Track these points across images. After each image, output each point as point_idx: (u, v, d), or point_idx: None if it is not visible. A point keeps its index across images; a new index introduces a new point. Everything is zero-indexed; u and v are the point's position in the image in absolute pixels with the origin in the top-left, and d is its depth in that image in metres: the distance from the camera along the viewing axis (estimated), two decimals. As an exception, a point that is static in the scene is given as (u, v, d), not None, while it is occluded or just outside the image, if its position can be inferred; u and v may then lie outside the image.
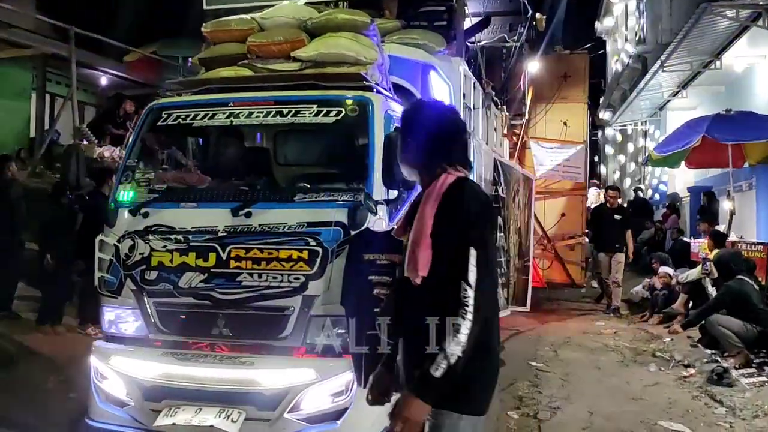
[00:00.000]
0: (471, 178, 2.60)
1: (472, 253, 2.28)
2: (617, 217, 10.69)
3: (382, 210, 3.98)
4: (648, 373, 7.21)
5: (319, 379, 3.74)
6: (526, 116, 10.02)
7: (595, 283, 12.28)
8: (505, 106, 9.20)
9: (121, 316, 4.15)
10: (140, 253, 4.09)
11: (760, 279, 8.22)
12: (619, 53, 21.66)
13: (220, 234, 4.00)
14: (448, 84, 5.42)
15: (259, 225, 3.98)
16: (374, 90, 4.33)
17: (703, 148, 10.32)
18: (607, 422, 5.52)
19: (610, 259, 10.63)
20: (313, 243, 3.89)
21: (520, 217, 8.71)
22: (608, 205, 11.00)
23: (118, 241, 4.13)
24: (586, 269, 12.14)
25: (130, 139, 4.51)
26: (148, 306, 4.07)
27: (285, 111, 4.25)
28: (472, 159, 4.84)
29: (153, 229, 4.12)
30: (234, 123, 4.29)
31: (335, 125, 4.19)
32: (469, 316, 2.22)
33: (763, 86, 11.80)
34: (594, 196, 16.19)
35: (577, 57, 12.34)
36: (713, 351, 7.50)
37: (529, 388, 6.56)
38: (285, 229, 3.94)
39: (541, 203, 11.17)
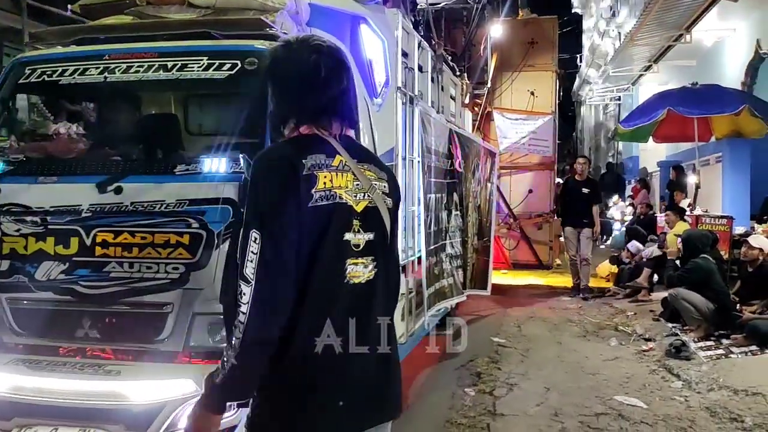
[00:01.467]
0: (352, 138, 2.01)
1: (252, 236, 1.73)
2: (585, 190, 9.53)
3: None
4: (608, 347, 6.94)
5: (199, 392, 2.88)
6: (489, 85, 8.97)
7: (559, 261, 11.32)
8: (466, 74, 8.24)
9: (-29, 315, 3.26)
10: (-10, 239, 3.20)
11: (723, 252, 7.98)
12: (594, 27, 20.77)
13: (83, 214, 3.11)
14: (382, 39, 4.50)
15: (132, 203, 3.10)
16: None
17: (670, 123, 9.70)
18: (563, 397, 5.27)
19: (578, 235, 9.61)
20: (196, 225, 3.03)
21: (480, 194, 7.84)
22: (576, 177, 9.74)
23: (-34, 224, 3.23)
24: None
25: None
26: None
27: (170, 65, 3.33)
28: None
29: (5, 208, 3.22)
30: (108, 79, 3.36)
31: (234, 82, 3.29)
32: (242, 318, 1.72)
33: (732, 60, 11.09)
34: None
35: (545, 21, 11.13)
36: (674, 324, 7.23)
37: (489, 364, 6.29)
38: (162, 208, 3.07)
39: (506, 179, 10.28)
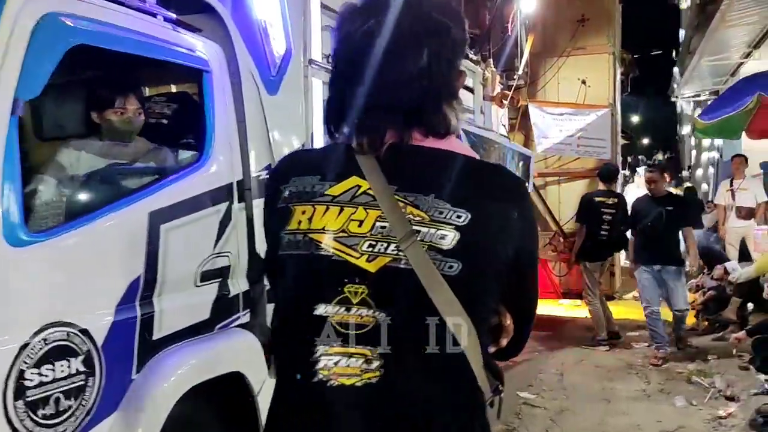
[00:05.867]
0: (422, 148, 1.28)
1: None
2: (669, 209, 6.66)
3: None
4: (672, 409, 5.45)
5: None
6: (519, 72, 7.36)
7: None
8: (491, 60, 6.76)
9: None
10: None
11: None
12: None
13: None
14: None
15: None
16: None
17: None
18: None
19: (659, 277, 6.72)
20: None
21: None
22: (650, 193, 6.94)
23: None
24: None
25: None
26: None
27: None
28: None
29: None
30: None
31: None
32: None
33: None
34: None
35: (597, -8, 9.21)
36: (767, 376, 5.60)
37: (502, 433, 4.72)
38: None
39: (554, 188, 8.62)
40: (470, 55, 6.20)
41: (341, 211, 1.24)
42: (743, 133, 8.95)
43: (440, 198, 1.21)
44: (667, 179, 7.49)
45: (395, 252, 1.20)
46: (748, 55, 12.70)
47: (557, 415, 5.31)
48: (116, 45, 2.37)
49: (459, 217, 1.20)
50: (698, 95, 18.15)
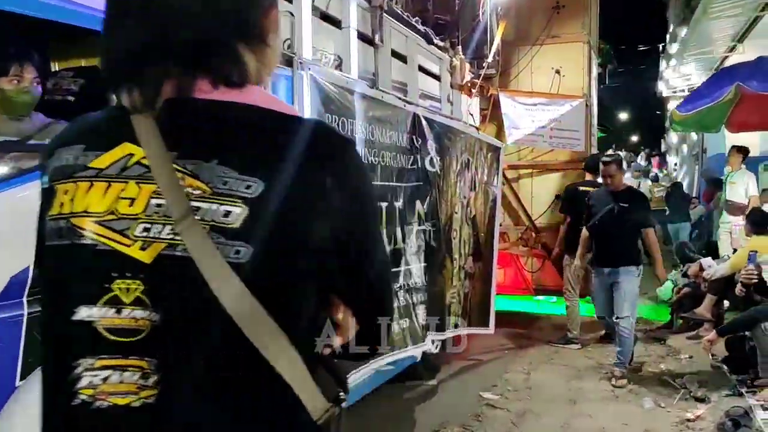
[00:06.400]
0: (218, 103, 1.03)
1: None
2: (624, 205, 5.89)
3: None
4: (639, 411, 5.27)
5: None
6: (489, 60, 7.11)
7: None
8: (460, 47, 6.54)
9: None
10: None
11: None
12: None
13: None
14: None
15: None
16: None
17: (748, 105, 7.60)
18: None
19: (609, 282, 6.00)
20: None
21: (475, 202, 6.15)
22: (608, 188, 6.07)
23: None
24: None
25: None
26: None
27: None
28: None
29: None
30: None
31: None
32: None
33: None
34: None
35: (572, -23, 8.93)
36: (740, 377, 5.56)
37: (459, 437, 4.69)
38: None
39: (527, 182, 8.40)
40: (437, 41, 5.99)
41: (108, 187, 0.99)
42: (723, 127, 8.81)
43: (225, 164, 0.96)
44: (626, 173, 7.17)
45: (171, 236, 0.96)
46: (732, 49, 12.61)
47: (519, 418, 5.13)
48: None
49: (248, 187, 0.96)
50: (683, 90, 18.20)
